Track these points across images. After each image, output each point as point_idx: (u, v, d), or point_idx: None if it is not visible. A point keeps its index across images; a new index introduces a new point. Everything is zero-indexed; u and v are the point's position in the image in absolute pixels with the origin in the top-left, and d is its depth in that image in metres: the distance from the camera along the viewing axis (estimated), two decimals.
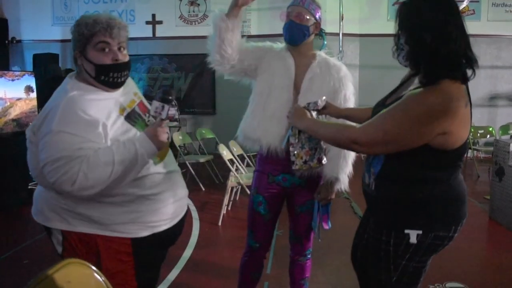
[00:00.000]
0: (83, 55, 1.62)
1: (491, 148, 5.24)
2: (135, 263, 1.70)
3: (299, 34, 2.17)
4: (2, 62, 8.59)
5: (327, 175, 2.19)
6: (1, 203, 4.92)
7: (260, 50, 2.28)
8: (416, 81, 1.56)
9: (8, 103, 5.22)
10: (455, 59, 1.41)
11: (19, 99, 5.35)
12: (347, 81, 2.24)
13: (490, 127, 7.84)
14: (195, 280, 3.25)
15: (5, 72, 5.43)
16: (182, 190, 1.87)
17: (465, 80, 1.44)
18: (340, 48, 7.76)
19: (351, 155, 2.21)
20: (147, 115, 1.76)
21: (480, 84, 8.26)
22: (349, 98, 2.23)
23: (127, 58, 1.68)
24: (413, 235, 1.51)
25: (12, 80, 5.30)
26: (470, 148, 7.52)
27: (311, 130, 1.76)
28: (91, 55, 1.60)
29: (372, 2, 8.57)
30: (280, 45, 2.30)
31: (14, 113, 5.27)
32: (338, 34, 7.75)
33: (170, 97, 1.60)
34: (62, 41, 9.07)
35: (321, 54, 2.28)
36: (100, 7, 8.90)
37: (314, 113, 1.91)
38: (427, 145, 1.44)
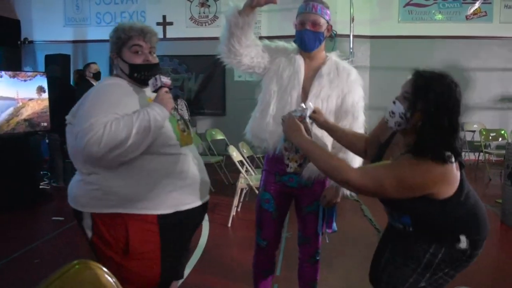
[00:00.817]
0: (119, 56, 1.89)
1: (503, 151, 5.17)
2: (161, 244, 1.84)
3: (315, 42, 2.17)
4: (14, 63, 8.69)
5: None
6: (12, 203, 4.95)
7: (272, 50, 2.28)
8: (402, 141, 1.66)
9: (20, 103, 5.26)
10: (456, 143, 1.54)
11: (31, 99, 5.40)
12: (357, 85, 2.23)
13: (502, 130, 7.73)
14: (205, 280, 3.25)
15: (18, 72, 5.47)
16: (204, 176, 2.02)
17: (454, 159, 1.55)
18: (351, 50, 7.74)
19: (358, 161, 2.19)
20: (173, 111, 1.93)
21: (492, 87, 8.15)
22: (357, 103, 2.22)
23: (156, 61, 1.94)
24: (463, 243, 1.67)
25: (25, 80, 5.35)
26: (482, 151, 7.47)
27: (305, 150, 1.75)
28: (127, 56, 1.87)
29: (383, 3, 8.51)
30: (294, 45, 2.29)
31: (26, 113, 5.32)
32: (348, 36, 7.72)
33: (157, 71, 1.89)
34: (74, 42, 9.15)
35: (332, 56, 2.27)
36: (111, 8, 8.96)
37: (307, 118, 1.93)
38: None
